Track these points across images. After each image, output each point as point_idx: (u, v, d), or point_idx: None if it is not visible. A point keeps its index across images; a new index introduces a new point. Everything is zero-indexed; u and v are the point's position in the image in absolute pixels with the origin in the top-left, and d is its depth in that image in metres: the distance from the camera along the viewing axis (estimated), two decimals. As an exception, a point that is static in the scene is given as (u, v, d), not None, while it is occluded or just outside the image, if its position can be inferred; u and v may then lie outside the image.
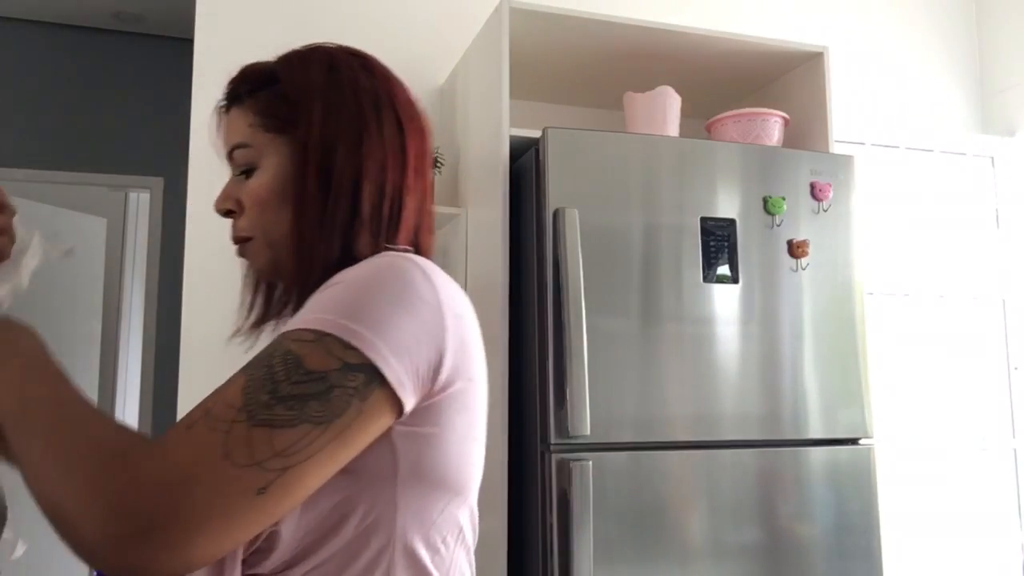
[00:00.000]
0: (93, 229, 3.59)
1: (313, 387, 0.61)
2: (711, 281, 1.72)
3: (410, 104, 0.85)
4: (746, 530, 1.67)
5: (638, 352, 1.64)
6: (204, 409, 0.60)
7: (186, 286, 1.99)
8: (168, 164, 3.50)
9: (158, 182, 3.57)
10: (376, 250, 0.77)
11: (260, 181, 0.81)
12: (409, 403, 0.66)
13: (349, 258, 0.75)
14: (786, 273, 1.78)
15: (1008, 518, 2.68)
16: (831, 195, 1.83)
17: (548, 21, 1.85)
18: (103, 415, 0.62)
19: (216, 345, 1.96)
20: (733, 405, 1.69)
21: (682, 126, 1.95)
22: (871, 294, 2.56)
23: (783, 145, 1.97)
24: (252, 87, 0.84)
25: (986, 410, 2.70)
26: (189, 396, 1.94)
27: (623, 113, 1.96)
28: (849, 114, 2.59)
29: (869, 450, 1.79)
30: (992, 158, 2.82)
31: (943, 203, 2.74)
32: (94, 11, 3.45)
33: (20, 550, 1.17)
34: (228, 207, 0.85)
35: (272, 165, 0.81)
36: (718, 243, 1.73)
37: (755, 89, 2.25)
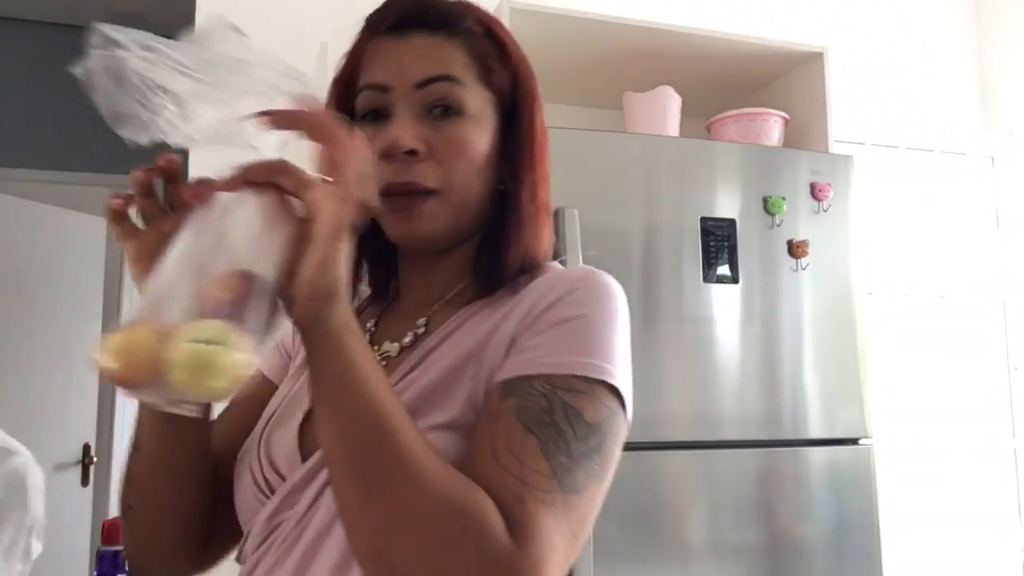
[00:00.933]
0: (93, 229, 3.59)
1: (595, 440, 0.62)
2: (711, 281, 1.72)
3: None
4: (746, 530, 1.67)
5: (638, 352, 1.63)
6: (516, 478, 0.58)
7: (186, 286, 1.99)
8: (168, 164, 3.49)
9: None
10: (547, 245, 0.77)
11: (472, 131, 0.71)
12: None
13: (540, 252, 0.75)
14: (786, 273, 1.78)
15: (1008, 518, 2.68)
16: (831, 195, 1.83)
17: (548, 21, 1.85)
18: (432, 451, 0.58)
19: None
20: (733, 405, 1.69)
21: (682, 126, 1.95)
22: (871, 294, 2.56)
23: (783, 145, 1.97)
24: (471, 27, 0.74)
25: (986, 410, 2.70)
26: (189, 396, 1.94)
27: (623, 113, 1.96)
28: (849, 114, 2.59)
29: (869, 450, 1.79)
30: (992, 158, 2.82)
31: (943, 203, 2.74)
32: (94, 11, 3.45)
33: (37, 550, 1.16)
34: (419, 147, 0.69)
35: (484, 120, 0.73)
36: (718, 243, 1.73)
37: (755, 89, 2.25)
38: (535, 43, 1.94)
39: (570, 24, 1.87)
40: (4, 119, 3.49)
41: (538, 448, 0.59)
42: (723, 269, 1.73)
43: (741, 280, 1.74)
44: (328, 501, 0.64)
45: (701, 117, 2.14)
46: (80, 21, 3.55)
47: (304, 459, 0.69)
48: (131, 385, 0.50)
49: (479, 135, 0.72)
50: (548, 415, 0.61)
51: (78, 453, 3.40)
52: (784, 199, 1.80)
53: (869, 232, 2.57)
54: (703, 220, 1.73)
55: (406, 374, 0.70)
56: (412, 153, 0.69)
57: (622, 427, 0.65)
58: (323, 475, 0.66)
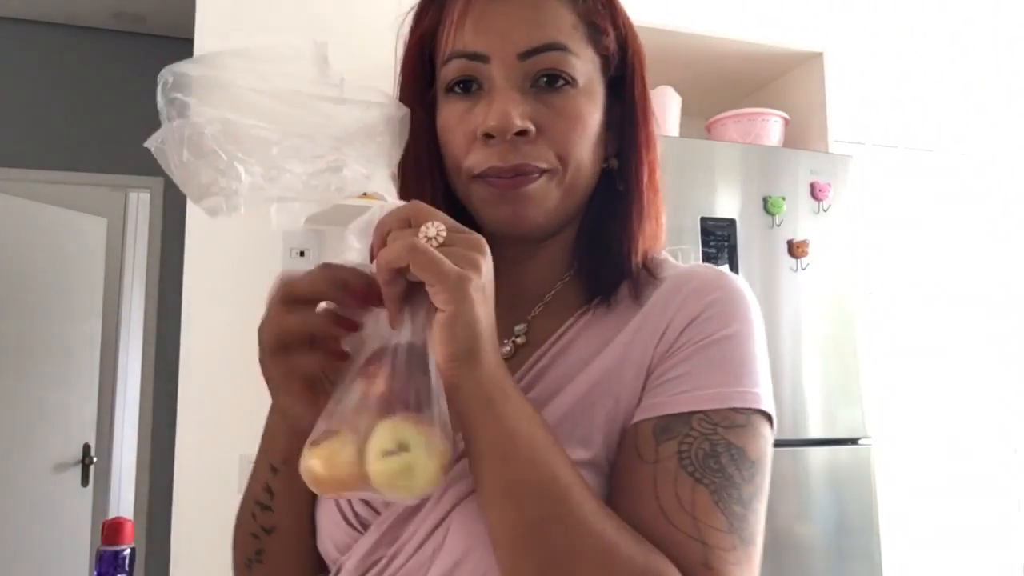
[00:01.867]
0: (93, 229, 3.60)
1: (759, 479, 0.57)
2: (711, 281, 1.72)
3: None
4: (746, 530, 1.67)
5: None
6: (697, 540, 0.54)
7: (186, 286, 1.99)
8: (168, 164, 3.49)
9: (158, 182, 3.57)
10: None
11: (586, 103, 0.62)
12: None
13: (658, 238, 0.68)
14: (786, 273, 1.78)
15: (1008, 518, 2.68)
16: (831, 195, 1.83)
17: (548, 21, 1.85)
18: (611, 515, 0.54)
19: (216, 345, 1.96)
20: (733, 405, 1.69)
21: (682, 126, 1.95)
22: (871, 294, 2.56)
23: (783, 145, 1.97)
24: None
25: (986, 410, 2.70)
26: (189, 396, 1.94)
27: (623, 113, 1.96)
28: (849, 114, 2.59)
29: (869, 450, 1.79)
30: (992, 158, 2.82)
31: (943, 203, 2.74)
32: (94, 11, 3.45)
33: None
34: (525, 127, 0.60)
35: (595, 90, 0.63)
36: (718, 243, 1.73)
37: (755, 89, 2.25)
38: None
39: (570, 24, 1.87)
40: (4, 119, 3.48)
41: (710, 500, 0.54)
42: (723, 269, 1.73)
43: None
44: (452, 542, 0.58)
45: (701, 117, 2.14)
46: (80, 21, 3.55)
47: None
48: (343, 494, 0.52)
49: (591, 107, 0.62)
50: (715, 460, 0.56)
51: (78, 453, 3.39)
52: (784, 199, 1.80)
53: (869, 232, 2.57)
54: (703, 220, 1.73)
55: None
56: (522, 133, 0.60)
57: (772, 444, 0.61)
58: (430, 509, 0.60)
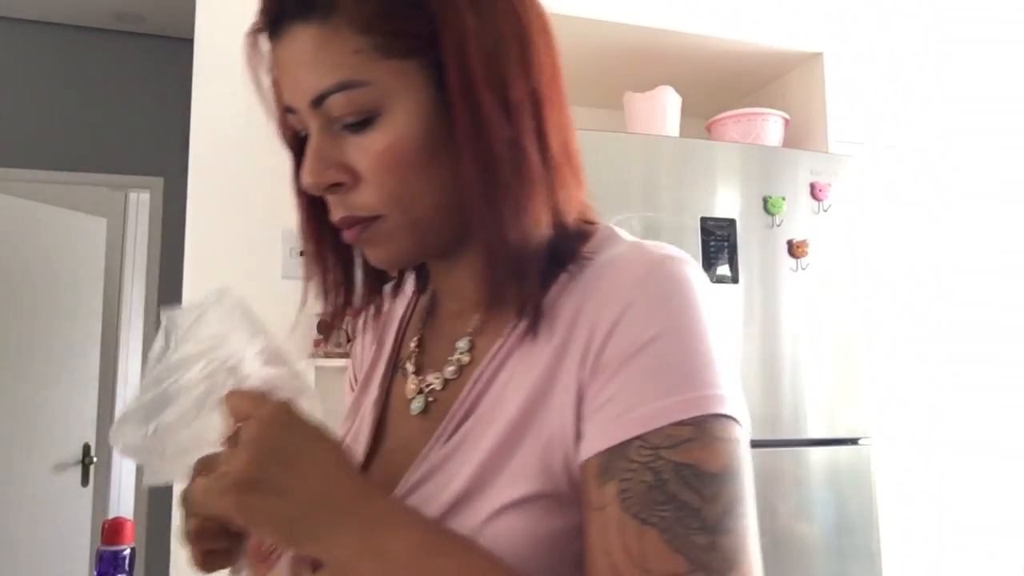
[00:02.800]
0: (93, 229, 3.60)
1: (729, 489, 0.50)
2: (711, 281, 1.71)
3: (542, 12, 0.61)
4: (746, 530, 1.68)
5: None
6: (696, 570, 0.47)
7: (186, 286, 1.99)
8: (168, 164, 3.50)
9: (158, 182, 3.57)
10: (575, 205, 0.60)
11: (395, 133, 0.54)
12: None
13: (557, 226, 0.58)
14: (786, 273, 1.78)
15: (1008, 518, 2.68)
16: (831, 195, 1.83)
17: (548, 21, 1.85)
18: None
19: (216, 345, 1.96)
20: (733, 405, 1.70)
21: (682, 126, 1.95)
22: (871, 294, 2.56)
23: (783, 145, 1.97)
24: None
25: (986, 410, 2.70)
26: (189, 396, 1.94)
27: (623, 113, 1.96)
28: (849, 114, 2.59)
29: (869, 450, 1.79)
30: (992, 158, 2.82)
31: (943, 203, 2.74)
32: (94, 11, 3.45)
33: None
34: (334, 179, 0.56)
35: (409, 106, 0.54)
36: (718, 243, 1.73)
37: (755, 89, 2.25)
38: None
39: (570, 24, 1.87)
40: (4, 119, 3.48)
41: (661, 542, 0.47)
42: (723, 269, 1.73)
43: (741, 280, 1.74)
44: None
45: (701, 117, 2.14)
46: (80, 21, 3.55)
47: None
48: None
49: (406, 131, 0.54)
50: (660, 491, 0.48)
51: (78, 453, 3.39)
52: (784, 199, 1.80)
53: (869, 232, 2.57)
54: (703, 220, 1.73)
55: (459, 425, 0.57)
56: (338, 185, 0.56)
57: (746, 447, 0.52)
58: None
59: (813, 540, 1.71)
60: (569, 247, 0.59)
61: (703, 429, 0.50)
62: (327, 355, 1.93)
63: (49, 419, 3.27)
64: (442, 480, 0.56)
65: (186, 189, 2.03)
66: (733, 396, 0.52)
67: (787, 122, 1.99)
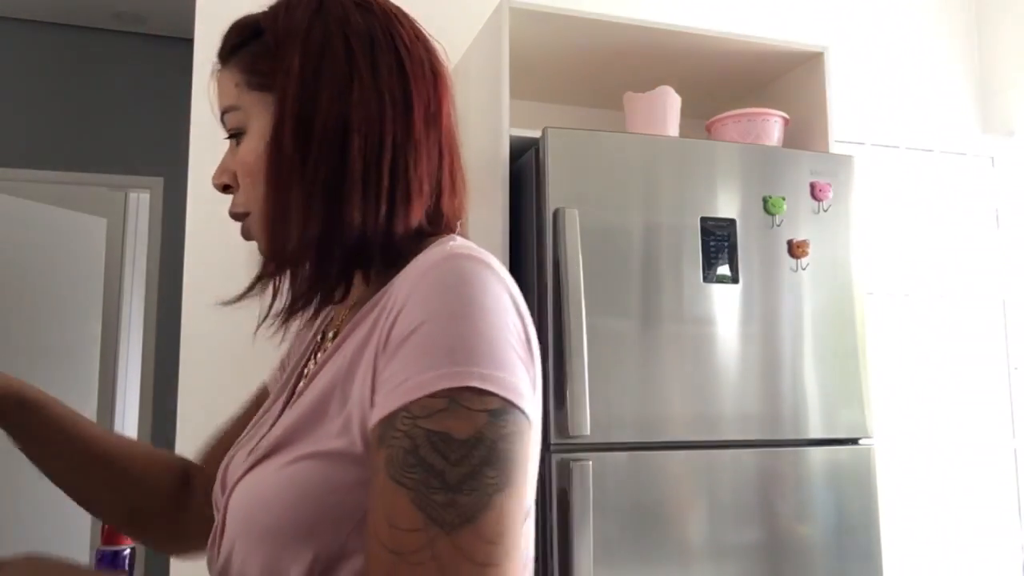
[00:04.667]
0: (93, 229, 3.60)
1: (478, 454, 0.55)
2: (711, 281, 1.72)
3: (419, 44, 0.74)
4: (746, 530, 1.67)
5: (638, 352, 1.64)
6: (390, 551, 0.53)
7: (186, 286, 1.99)
8: (168, 164, 3.50)
9: (158, 182, 3.57)
10: (383, 223, 0.68)
11: (248, 147, 0.71)
12: (533, 414, 0.61)
13: (342, 232, 0.67)
14: (786, 273, 1.78)
15: (1008, 518, 2.68)
16: (831, 195, 1.83)
17: (548, 21, 1.85)
18: None
19: (216, 345, 1.96)
20: (733, 405, 1.69)
21: (682, 126, 1.95)
22: (871, 294, 2.56)
23: (783, 145, 1.97)
24: (238, 42, 0.74)
25: (986, 410, 2.70)
26: (189, 397, 1.94)
27: (623, 113, 1.96)
28: (849, 114, 2.59)
29: (869, 450, 1.79)
30: (992, 158, 2.82)
31: (943, 203, 2.74)
32: (94, 11, 3.45)
33: None
34: (224, 181, 0.74)
35: (259, 127, 0.70)
36: (718, 243, 1.73)
37: (755, 89, 2.25)
38: (535, 43, 1.96)
39: (570, 24, 1.87)
40: (4, 119, 3.48)
41: (408, 501, 0.53)
42: (723, 269, 1.73)
43: (741, 280, 1.74)
44: (226, 536, 0.67)
45: (701, 117, 2.14)
46: (80, 21, 3.55)
47: (223, 491, 0.72)
48: None
49: (256, 146, 0.70)
50: (413, 455, 0.54)
51: (78, 453, 3.39)
52: (784, 199, 1.80)
53: (869, 232, 2.57)
54: (703, 220, 1.73)
55: (300, 395, 0.70)
56: (228, 187, 0.74)
57: (516, 424, 0.57)
58: (227, 498, 0.69)
59: (813, 540, 1.71)
60: (397, 251, 0.69)
61: (456, 401, 0.56)
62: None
63: (49, 419, 3.26)
64: (267, 439, 0.68)
65: (186, 189, 2.03)
66: (495, 373, 0.57)
67: (787, 122, 1.99)
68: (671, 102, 1.92)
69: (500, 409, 0.57)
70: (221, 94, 0.74)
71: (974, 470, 2.65)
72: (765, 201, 1.79)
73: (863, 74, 2.70)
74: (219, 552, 0.69)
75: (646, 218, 1.70)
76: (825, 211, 1.83)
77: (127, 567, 0.88)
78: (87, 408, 3.48)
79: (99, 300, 3.60)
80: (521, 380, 0.59)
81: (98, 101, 3.58)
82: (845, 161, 1.88)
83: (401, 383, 0.57)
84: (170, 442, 1.96)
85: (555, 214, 1.61)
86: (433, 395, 0.56)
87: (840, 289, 1.82)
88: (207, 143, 2.04)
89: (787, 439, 1.73)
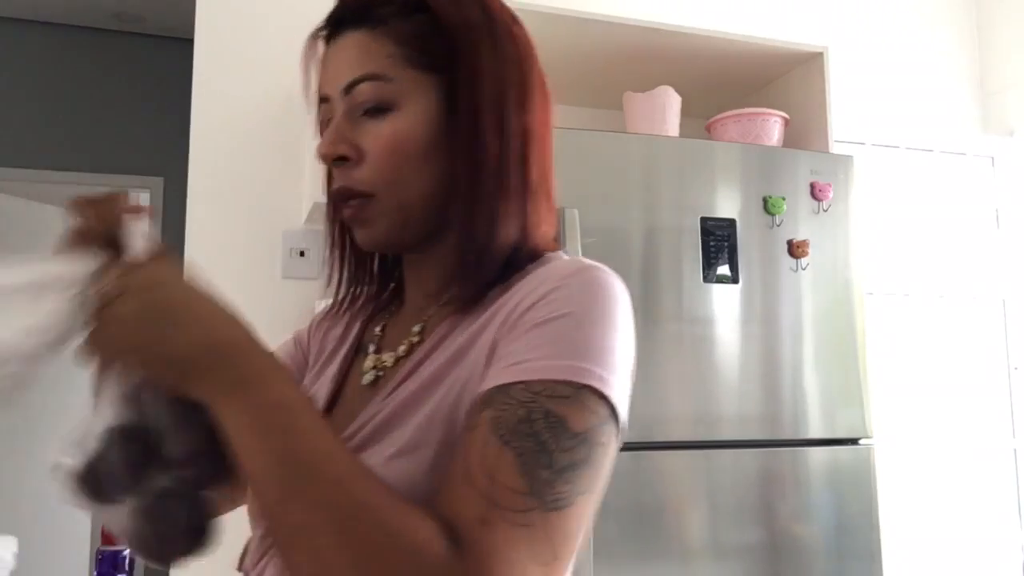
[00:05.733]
0: (93, 229, 3.60)
1: (581, 452, 0.55)
2: (711, 281, 1.72)
3: (543, 74, 0.74)
4: (746, 530, 1.67)
5: (638, 352, 1.64)
6: (485, 498, 0.53)
7: (186, 286, 1.99)
8: (168, 164, 3.50)
9: (158, 182, 3.57)
10: (541, 232, 0.69)
11: (403, 125, 0.66)
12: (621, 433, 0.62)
13: (522, 242, 0.67)
14: (786, 273, 1.78)
15: (1008, 518, 2.68)
16: (831, 195, 1.83)
17: (548, 21, 1.85)
18: (379, 483, 0.54)
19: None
20: (733, 405, 1.69)
21: (682, 126, 1.95)
22: (871, 294, 2.56)
23: (783, 145, 1.97)
24: (396, 11, 0.68)
25: (986, 410, 2.70)
26: (189, 396, 1.94)
27: (623, 113, 1.96)
28: (849, 114, 2.59)
29: (869, 450, 1.79)
30: (992, 158, 2.82)
31: (943, 203, 2.74)
32: (94, 11, 3.45)
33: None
34: (344, 152, 0.67)
35: (420, 108, 0.66)
36: (718, 243, 1.73)
37: (755, 89, 2.25)
38: (535, 43, 1.95)
39: (570, 24, 1.87)
40: (4, 119, 3.48)
41: (514, 463, 0.53)
42: (723, 269, 1.73)
43: (741, 280, 1.74)
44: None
45: (701, 117, 2.14)
46: (80, 21, 3.55)
47: None
48: None
49: (413, 126, 0.66)
50: (527, 425, 0.54)
51: (78, 453, 3.39)
52: (784, 199, 1.80)
53: (869, 232, 2.57)
54: (703, 220, 1.73)
55: (393, 390, 0.66)
56: (344, 159, 0.67)
57: (613, 439, 0.59)
58: None
59: (813, 540, 1.71)
60: (521, 262, 0.68)
61: (581, 396, 0.56)
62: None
63: (49, 419, 3.26)
64: (368, 427, 0.64)
65: (186, 189, 2.03)
66: (616, 388, 0.59)
67: (787, 122, 1.99)
68: (671, 102, 1.92)
69: (607, 418, 0.58)
70: (357, 59, 0.67)
71: (974, 470, 2.65)
72: (765, 201, 1.79)
73: (863, 74, 2.70)
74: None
75: (646, 218, 1.70)
76: (825, 211, 1.83)
77: (127, 567, 0.88)
78: (87, 408, 3.48)
79: (99, 300, 3.60)
80: (626, 400, 0.61)
81: (98, 101, 3.58)
82: (845, 161, 1.88)
83: (524, 361, 0.57)
84: (170, 442, 1.96)
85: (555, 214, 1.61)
86: (559, 381, 0.56)
87: (840, 289, 1.82)
88: (207, 143, 2.04)
89: (787, 439, 1.73)
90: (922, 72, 2.80)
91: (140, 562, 3.09)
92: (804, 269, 1.79)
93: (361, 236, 0.70)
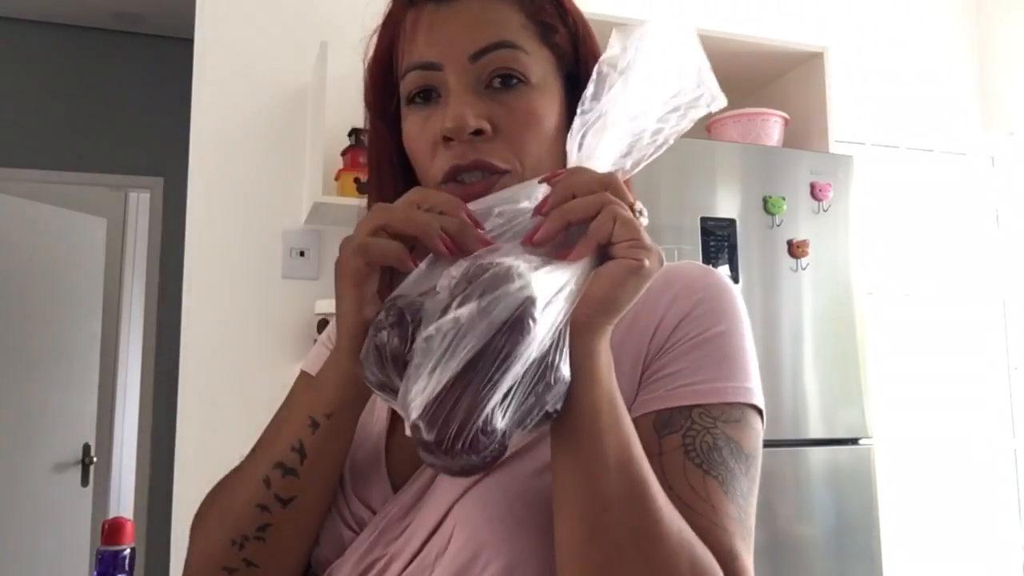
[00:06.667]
0: (93, 229, 3.59)
1: (753, 471, 0.60)
2: (711, 281, 1.72)
3: None
4: (746, 530, 1.68)
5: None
6: (719, 528, 0.55)
7: (186, 286, 1.99)
8: (168, 164, 3.50)
9: (158, 182, 3.57)
10: None
11: (540, 101, 0.62)
12: None
13: None
14: (786, 273, 1.78)
15: (1008, 518, 2.68)
16: (831, 195, 1.83)
17: (548, 21, 1.85)
18: (671, 505, 0.53)
19: (216, 345, 1.96)
20: (733, 405, 1.69)
21: (682, 126, 1.95)
22: (871, 294, 2.56)
23: (783, 145, 1.97)
24: None
25: (986, 410, 2.70)
26: (189, 396, 1.94)
27: (623, 113, 1.96)
28: (849, 114, 2.59)
29: (869, 450, 1.79)
30: (992, 158, 2.82)
31: (943, 203, 2.74)
32: (94, 11, 3.45)
33: None
34: (480, 127, 0.60)
35: (549, 87, 0.63)
36: (718, 243, 1.73)
37: (755, 89, 2.25)
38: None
39: (570, 24, 1.87)
40: (4, 119, 3.48)
41: (721, 491, 0.56)
42: (723, 269, 1.73)
43: (741, 280, 1.74)
44: (456, 545, 0.56)
45: (701, 117, 2.14)
46: (80, 21, 3.55)
47: (395, 488, 0.62)
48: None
49: (547, 104, 0.62)
50: (717, 453, 0.57)
51: (78, 453, 3.39)
52: (784, 199, 1.80)
53: (869, 232, 2.57)
54: (703, 220, 1.73)
55: None
56: (478, 133, 0.60)
57: (762, 444, 0.63)
58: (428, 507, 0.59)
59: (813, 540, 1.71)
60: None
61: (745, 415, 0.60)
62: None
63: (49, 419, 3.26)
64: None
65: (186, 189, 2.03)
66: (761, 395, 0.62)
67: (787, 122, 1.99)
68: (671, 102, 1.91)
69: (761, 432, 0.62)
70: (491, 23, 0.61)
71: (974, 470, 2.65)
72: (765, 201, 1.79)
73: (863, 74, 2.70)
74: (436, 561, 0.57)
75: (646, 218, 1.69)
76: (825, 211, 1.83)
77: (127, 567, 0.88)
78: (87, 408, 3.49)
79: (99, 300, 3.59)
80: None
81: (98, 101, 3.58)
82: (845, 161, 1.88)
83: (697, 382, 0.59)
84: (170, 443, 1.96)
85: (555, 214, 1.61)
86: (731, 404, 0.59)
87: (840, 289, 1.82)
88: (207, 143, 2.04)
89: (787, 439, 1.73)
90: (922, 72, 2.80)
91: (140, 562, 3.09)
92: (804, 269, 1.79)
93: None
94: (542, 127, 0.62)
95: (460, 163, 0.60)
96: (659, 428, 0.58)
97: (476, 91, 0.61)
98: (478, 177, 0.61)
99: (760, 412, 0.62)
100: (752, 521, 0.58)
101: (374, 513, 0.62)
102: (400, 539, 0.59)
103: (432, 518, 0.58)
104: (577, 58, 0.66)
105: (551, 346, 0.48)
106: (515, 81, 0.61)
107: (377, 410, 0.69)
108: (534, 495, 0.57)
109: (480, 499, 0.57)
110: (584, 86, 0.59)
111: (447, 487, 0.59)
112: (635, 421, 0.56)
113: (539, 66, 0.62)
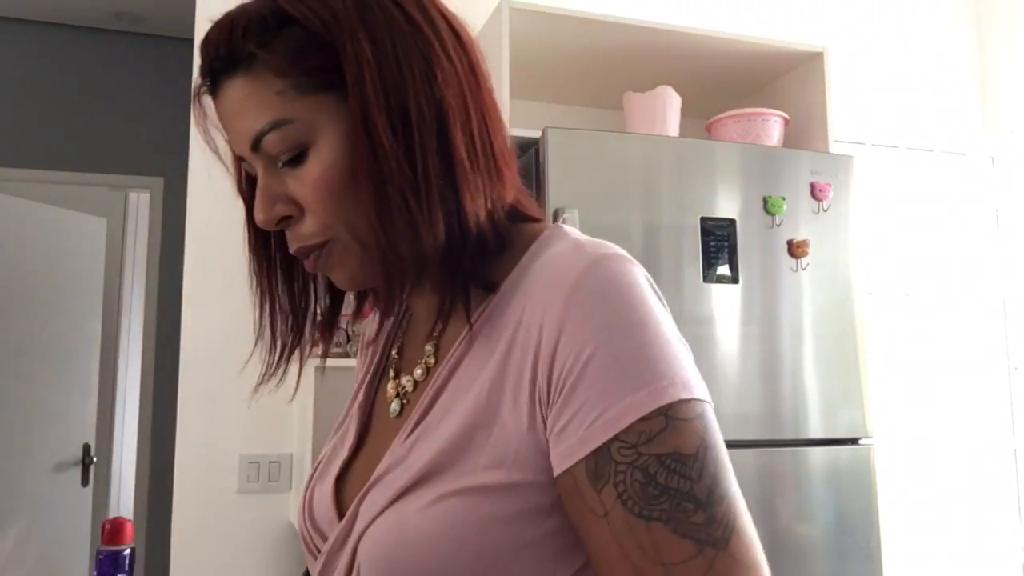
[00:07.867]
0: (93, 229, 3.60)
1: (708, 466, 0.53)
2: (711, 281, 1.72)
3: (445, 6, 0.64)
4: (746, 530, 1.68)
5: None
6: (709, 528, 0.51)
7: (186, 286, 1.99)
8: (168, 164, 3.50)
9: (158, 182, 3.57)
10: (491, 207, 0.61)
11: (325, 162, 0.59)
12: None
13: (466, 224, 0.60)
14: (786, 273, 1.78)
15: (1008, 518, 2.68)
16: (831, 195, 1.83)
17: (548, 21, 1.85)
18: None
19: (216, 345, 1.96)
20: (733, 405, 1.69)
21: (682, 126, 1.95)
22: (871, 294, 2.56)
23: (783, 145, 1.97)
24: (259, 40, 0.58)
25: (986, 410, 2.70)
26: (189, 396, 1.94)
27: (623, 113, 1.96)
28: (849, 114, 2.59)
29: (869, 450, 1.79)
30: (992, 158, 2.82)
31: (943, 203, 2.74)
32: (94, 11, 3.45)
33: None
34: (283, 213, 0.61)
35: (333, 136, 0.59)
36: (718, 243, 1.73)
37: (755, 89, 2.25)
38: (535, 43, 1.95)
39: (570, 24, 1.87)
40: (4, 119, 3.48)
41: (668, 533, 0.51)
42: (723, 269, 1.73)
43: (741, 280, 1.74)
44: (365, 569, 0.58)
45: (701, 117, 2.14)
46: (80, 21, 3.55)
47: (340, 516, 0.63)
48: None
49: (336, 157, 0.59)
50: (653, 486, 0.52)
51: (78, 453, 3.40)
52: (784, 199, 1.80)
53: (869, 232, 2.57)
54: (703, 220, 1.73)
55: (418, 422, 0.61)
56: (287, 219, 0.61)
57: (713, 419, 0.56)
58: (357, 536, 0.60)
59: (813, 540, 1.71)
60: (504, 243, 0.63)
61: (670, 416, 0.53)
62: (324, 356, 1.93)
63: (49, 419, 3.27)
64: (398, 472, 0.59)
65: (186, 189, 2.03)
66: (689, 378, 0.55)
67: (787, 122, 1.99)
68: (671, 102, 1.92)
69: (703, 410, 0.55)
70: (249, 110, 0.59)
71: (974, 470, 2.65)
72: (765, 201, 1.79)
73: (863, 74, 2.70)
74: None
75: (646, 218, 1.70)
76: (825, 211, 1.83)
77: (127, 567, 0.88)
78: (87, 408, 3.49)
79: (99, 300, 3.60)
80: (696, 371, 0.57)
81: (98, 101, 3.58)
82: (845, 161, 1.88)
83: (600, 415, 0.53)
84: (170, 443, 1.96)
85: (555, 214, 1.61)
86: (646, 418, 0.52)
87: (840, 289, 1.82)
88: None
89: (787, 439, 1.73)
90: (922, 72, 2.80)
91: (140, 562, 3.09)
92: (804, 269, 1.79)
93: (338, 279, 0.64)
94: (338, 186, 0.59)
95: (292, 252, 0.63)
96: (593, 482, 0.53)
97: (274, 171, 0.61)
98: (316, 254, 0.62)
99: (693, 399, 0.54)
100: (726, 520, 0.52)
101: (324, 540, 0.65)
102: (337, 569, 0.61)
103: (347, 554, 0.60)
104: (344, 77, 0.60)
105: None
106: (297, 155, 0.59)
107: (346, 436, 0.72)
108: (428, 533, 0.56)
109: (372, 539, 0.58)
110: (352, 107, 0.58)
111: (363, 518, 0.60)
112: (570, 476, 0.54)
113: (311, 121, 0.59)
